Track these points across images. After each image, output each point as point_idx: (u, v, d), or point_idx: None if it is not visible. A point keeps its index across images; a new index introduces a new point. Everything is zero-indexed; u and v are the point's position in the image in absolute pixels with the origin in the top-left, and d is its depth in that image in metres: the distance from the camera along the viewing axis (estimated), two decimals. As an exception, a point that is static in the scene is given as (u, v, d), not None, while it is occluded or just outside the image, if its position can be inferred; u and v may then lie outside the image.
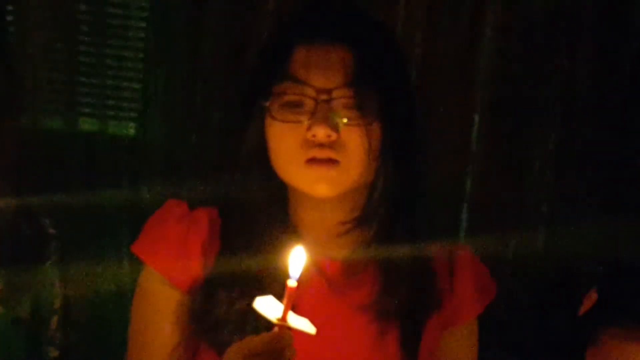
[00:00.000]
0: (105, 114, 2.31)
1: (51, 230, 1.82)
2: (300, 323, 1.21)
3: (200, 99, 2.27)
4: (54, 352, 1.83)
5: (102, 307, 2.19)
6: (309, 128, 1.36)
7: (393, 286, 1.45)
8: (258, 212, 1.45)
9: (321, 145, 1.37)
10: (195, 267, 1.46)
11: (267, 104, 1.40)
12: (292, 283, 1.19)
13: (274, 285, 1.29)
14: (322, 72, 1.38)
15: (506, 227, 2.39)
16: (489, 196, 2.45)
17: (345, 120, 1.36)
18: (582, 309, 1.48)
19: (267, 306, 1.22)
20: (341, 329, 1.42)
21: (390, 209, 1.45)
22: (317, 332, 1.22)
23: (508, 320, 2.37)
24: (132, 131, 2.32)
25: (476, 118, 2.45)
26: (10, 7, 2.16)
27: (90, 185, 2.23)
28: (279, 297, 1.21)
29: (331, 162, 1.37)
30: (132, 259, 2.15)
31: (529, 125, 2.43)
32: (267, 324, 1.26)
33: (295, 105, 1.39)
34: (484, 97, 2.43)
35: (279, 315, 1.20)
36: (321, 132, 1.36)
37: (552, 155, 2.41)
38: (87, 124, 2.31)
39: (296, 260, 1.22)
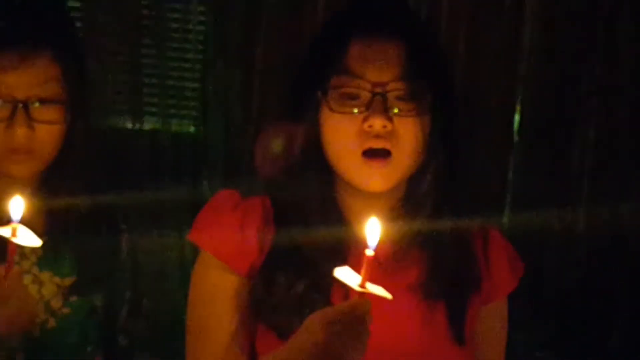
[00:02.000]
0: (167, 112, 2.35)
1: (122, 226, 1.80)
2: (377, 289, 1.23)
3: (256, 96, 2.31)
4: (124, 341, 1.82)
5: (168, 298, 2.21)
6: (365, 119, 1.38)
7: (439, 267, 1.47)
8: (310, 200, 1.47)
9: (377, 136, 1.39)
10: (252, 252, 1.47)
11: (325, 96, 1.42)
12: (369, 252, 1.22)
13: (329, 266, 1.28)
14: (377, 66, 1.40)
15: (546, 212, 2.41)
16: (530, 183, 2.49)
17: (396, 111, 1.39)
18: None
19: (346, 275, 1.24)
20: (392, 308, 1.40)
21: (437, 196, 1.47)
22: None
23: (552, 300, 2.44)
24: (192, 128, 2.36)
25: (518, 110, 2.48)
26: (79, 15, 2.23)
27: (155, 179, 2.28)
28: (333, 279, 1.24)
29: (385, 154, 1.39)
30: (194, 251, 2.22)
31: (569, 116, 2.46)
32: (323, 304, 1.30)
33: (352, 98, 1.40)
34: (526, 90, 2.46)
35: (359, 282, 1.22)
36: (377, 123, 1.38)
37: (592, 144, 2.43)
38: (151, 123, 2.36)
39: (372, 231, 1.24)
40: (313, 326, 1.26)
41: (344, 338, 1.24)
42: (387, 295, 1.22)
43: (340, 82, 1.40)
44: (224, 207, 1.52)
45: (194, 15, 2.35)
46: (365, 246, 1.21)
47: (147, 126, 2.35)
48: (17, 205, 1.41)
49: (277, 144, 1.59)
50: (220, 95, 2.33)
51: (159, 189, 2.24)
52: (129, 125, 2.32)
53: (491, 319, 1.54)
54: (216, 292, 1.48)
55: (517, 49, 2.45)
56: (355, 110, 1.39)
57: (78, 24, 2.17)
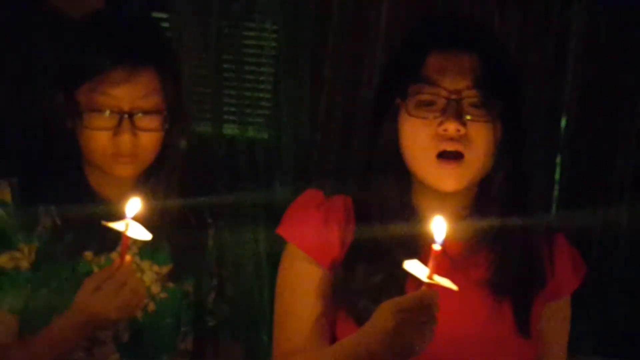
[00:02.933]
0: (244, 120, 2.45)
1: (209, 221, 1.88)
2: (445, 281, 1.29)
3: (322, 106, 2.41)
4: (211, 322, 1.90)
5: (249, 284, 2.33)
6: (440, 124, 1.43)
7: (507, 265, 1.51)
8: (389, 199, 1.51)
9: (451, 139, 1.43)
10: (334, 246, 1.52)
11: (404, 102, 1.47)
12: (437, 247, 1.26)
13: (404, 259, 1.33)
14: (453, 75, 1.45)
15: (593, 209, 2.48)
16: (577, 182, 2.55)
17: (469, 117, 1.45)
18: None
19: (415, 268, 1.28)
20: (462, 302, 1.47)
21: (506, 197, 1.52)
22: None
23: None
24: (265, 134, 2.45)
25: (564, 112, 2.55)
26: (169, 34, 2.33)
27: (232, 180, 2.37)
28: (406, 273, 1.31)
29: (459, 157, 1.45)
30: (269, 243, 2.31)
31: (614, 117, 2.52)
32: (398, 294, 1.34)
33: (428, 104, 1.45)
34: (573, 92, 2.52)
35: (427, 274, 1.26)
36: (452, 127, 1.42)
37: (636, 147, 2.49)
38: (229, 129, 2.45)
39: (438, 228, 1.30)
40: (384, 313, 1.31)
41: (412, 325, 1.29)
42: (452, 286, 1.29)
43: (418, 89, 1.46)
44: (309, 205, 1.58)
45: (268, 33, 2.45)
46: (433, 241, 1.28)
47: (226, 132, 2.45)
48: (132, 204, 1.53)
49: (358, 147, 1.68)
50: (291, 105, 2.43)
51: (236, 188, 2.32)
52: (210, 131, 2.42)
53: (555, 316, 1.59)
54: (301, 281, 1.55)
55: (564, 55, 2.51)
56: (432, 116, 1.45)
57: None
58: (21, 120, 2.09)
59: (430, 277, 1.27)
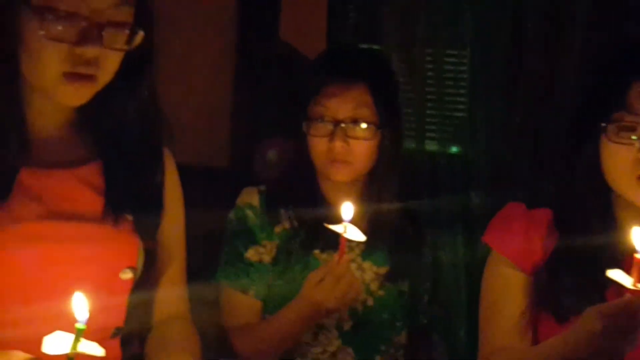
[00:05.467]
0: (443, 137, 2.50)
1: (424, 227, 1.97)
2: None
3: (514, 125, 2.40)
4: (423, 319, 1.97)
5: (463, 288, 2.36)
6: None
7: None
8: (591, 212, 1.52)
9: None
10: (536, 253, 1.55)
11: (605, 128, 1.48)
12: (639, 256, 1.26)
13: (607, 268, 1.31)
14: None
15: None
16: None
17: None
18: None
19: (619, 276, 1.28)
20: None
21: None
22: None
23: None
24: (462, 150, 2.48)
25: None
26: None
27: (432, 191, 2.42)
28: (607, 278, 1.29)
29: None
30: (467, 250, 2.35)
31: None
32: (598, 299, 1.37)
33: (629, 130, 1.45)
34: None
35: (632, 282, 1.26)
36: None
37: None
38: (431, 145, 2.51)
39: (638, 237, 1.27)
40: (591, 317, 1.31)
41: (618, 329, 1.29)
42: None
43: (620, 116, 1.46)
44: (513, 216, 1.60)
45: (465, 59, 2.49)
46: (635, 251, 1.27)
47: (428, 148, 2.50)
48: (348, 208, 1.62)
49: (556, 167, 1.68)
50: (485, 123, 2.45)
51: (437, 199, 2.37)
52: (414, 147, 2.48)
53: None
54: (505, 284, 1.59)
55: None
56: (632, 142, 1.45)
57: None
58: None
59: (635, 285, 1.27)
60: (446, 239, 2.38)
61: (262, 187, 1.94)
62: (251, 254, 1.89)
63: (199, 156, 2.43)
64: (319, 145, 1.84)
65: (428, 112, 2.51)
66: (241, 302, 1.89)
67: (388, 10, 2.49)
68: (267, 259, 1.89)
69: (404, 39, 2.47)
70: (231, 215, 1.94)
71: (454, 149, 2.52)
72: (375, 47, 2.49)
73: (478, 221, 2.32)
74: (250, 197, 1.92)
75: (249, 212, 1.91)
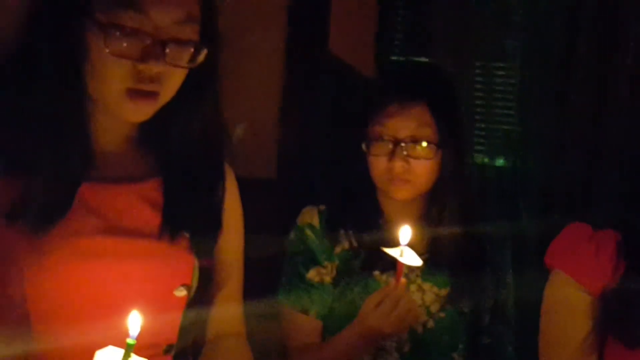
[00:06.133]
0: (492, 150, 2.49)
1: (487, 247, 1.93)
2: None
3: (567, 137, 2.38)
4: (486, 340, 1.93)
5: (525, 308, 2.20)
6: None
7: None
8: None
9: None
10: (605, 276, 1.52)
11: None
12: None
13: None
14: None
15: None
16: None
17: None
18: None
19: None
20: None
21: None
22: None
23: None
24: (512, 163, 2.46)
25: None
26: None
27: (483, 206, 2.36)
28: None
29: None
30: (529, 271, 2.25)
31: None
32: None
33: None
34: None
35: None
36: None
37: None
38: (479, 158, 2.50)
39: None
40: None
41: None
42: None
43: None
44: (579, 236, 1.56)
45: (514, 70, 2.48)
46: None
47: (477, 161, 2.49)
48: (406, 231, 1.60)
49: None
50: (534, 136, 2.43)
51: (485, 215, 2.27)
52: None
53: None
54: (571, 306, 1.55)
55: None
56: None
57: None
58: (330, 155, 2.26)
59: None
60: (506, 256, 2.35)
61: (322, 207, 1.92)
62: (312, 274, 1.88)
63: (246, 168, 2.39)
64: (379, 164, 1.83)
65: (477, 125, 2.51)
66: (302, 322, 1.89)
67: (436, 23, 2.49)
68: (328, 279, 1.89)
69: (452, 51, 2.47)
70: (291, 235, 1.93)
71: (501, 162, 2.52)
72: (433, 61, 2.47)
73: (529, 238, 2.32)
74: (311, 217, 1.91)
75: (309, 233, 1.90)
